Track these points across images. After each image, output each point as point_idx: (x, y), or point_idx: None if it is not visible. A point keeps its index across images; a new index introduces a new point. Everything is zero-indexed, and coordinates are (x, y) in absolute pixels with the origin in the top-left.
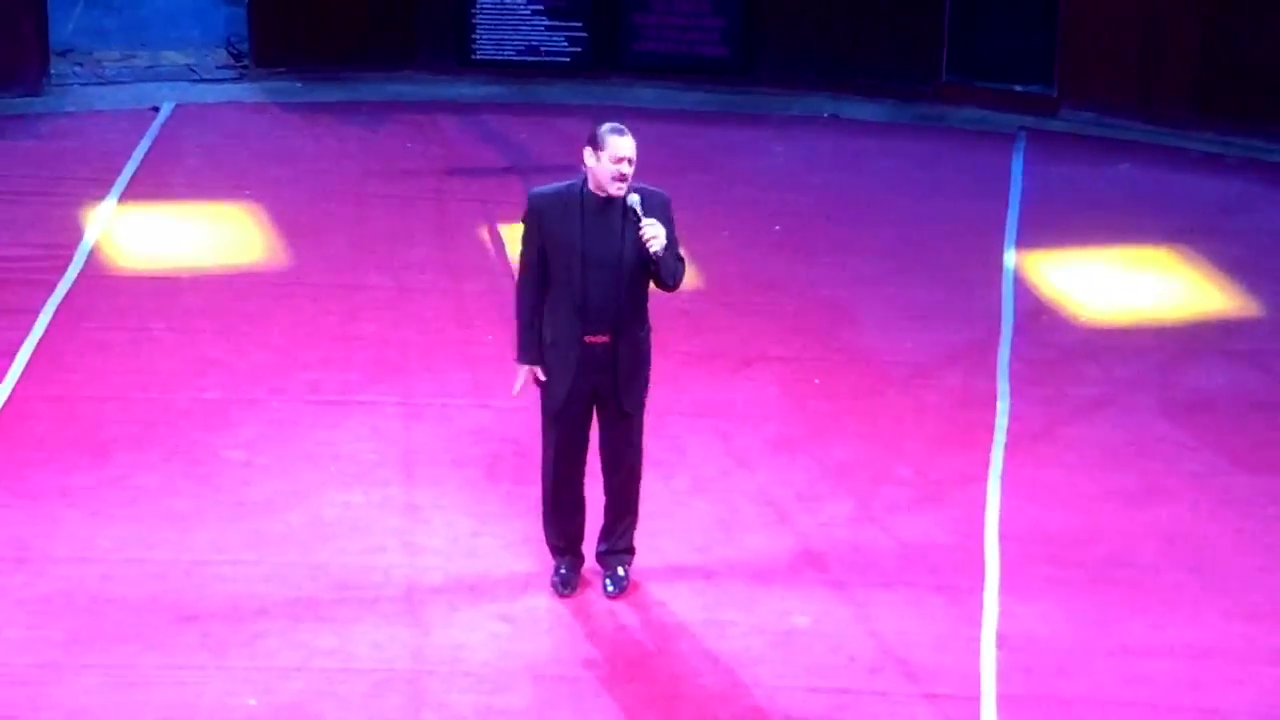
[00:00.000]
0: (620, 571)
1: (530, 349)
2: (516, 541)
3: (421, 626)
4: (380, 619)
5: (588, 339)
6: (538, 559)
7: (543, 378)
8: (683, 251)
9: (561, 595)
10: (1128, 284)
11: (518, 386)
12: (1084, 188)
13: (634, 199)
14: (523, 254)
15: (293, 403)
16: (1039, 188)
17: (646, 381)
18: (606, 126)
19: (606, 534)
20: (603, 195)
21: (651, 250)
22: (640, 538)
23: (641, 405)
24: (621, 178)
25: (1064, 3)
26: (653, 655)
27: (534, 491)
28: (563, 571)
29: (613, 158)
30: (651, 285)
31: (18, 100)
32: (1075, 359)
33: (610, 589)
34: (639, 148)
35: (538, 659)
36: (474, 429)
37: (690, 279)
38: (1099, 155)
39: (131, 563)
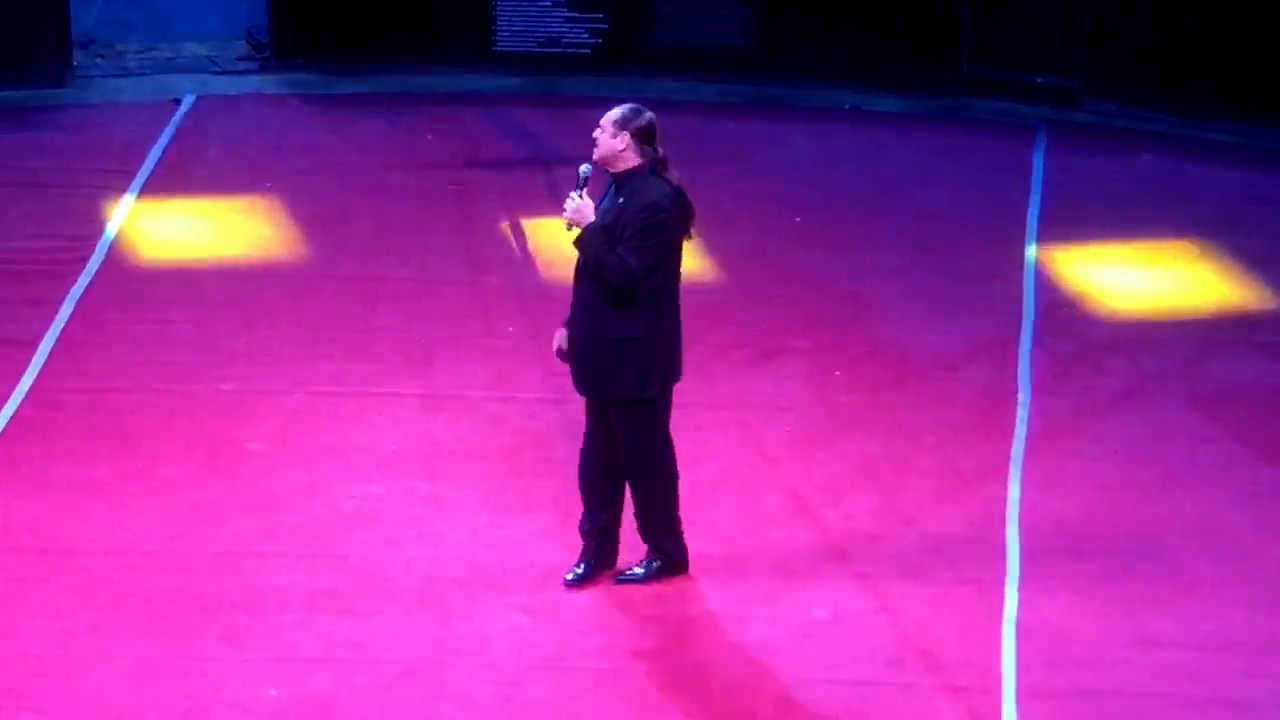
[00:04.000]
0: (637, 569)
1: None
2: (537, 533)
3: (442, 618)
4: (401, 610)
5: (569, 323)
6: (558, 551)
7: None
8: (635, 264)
9: (567, 585)
10: (1150, 276)
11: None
12: (1106, 180)
13: (584, 168)
14: None
15: (314, 395)
16: (1061, 180)
17: (630, 383)
18: None
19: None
20: (616, 176)
21: (564, 221)
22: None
23: (618, 403)
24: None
25: None
26: (674, 647)
27: (553, 484)
28: (580, 563)
29: None
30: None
31: (40, 92)
32: (1097, 351)
33: (619, 577)
34: (659, 138)
35: (558, 651)
36: (495, 421)
37: (711, 271)
38: (1121, 147)
39: (153, 554)
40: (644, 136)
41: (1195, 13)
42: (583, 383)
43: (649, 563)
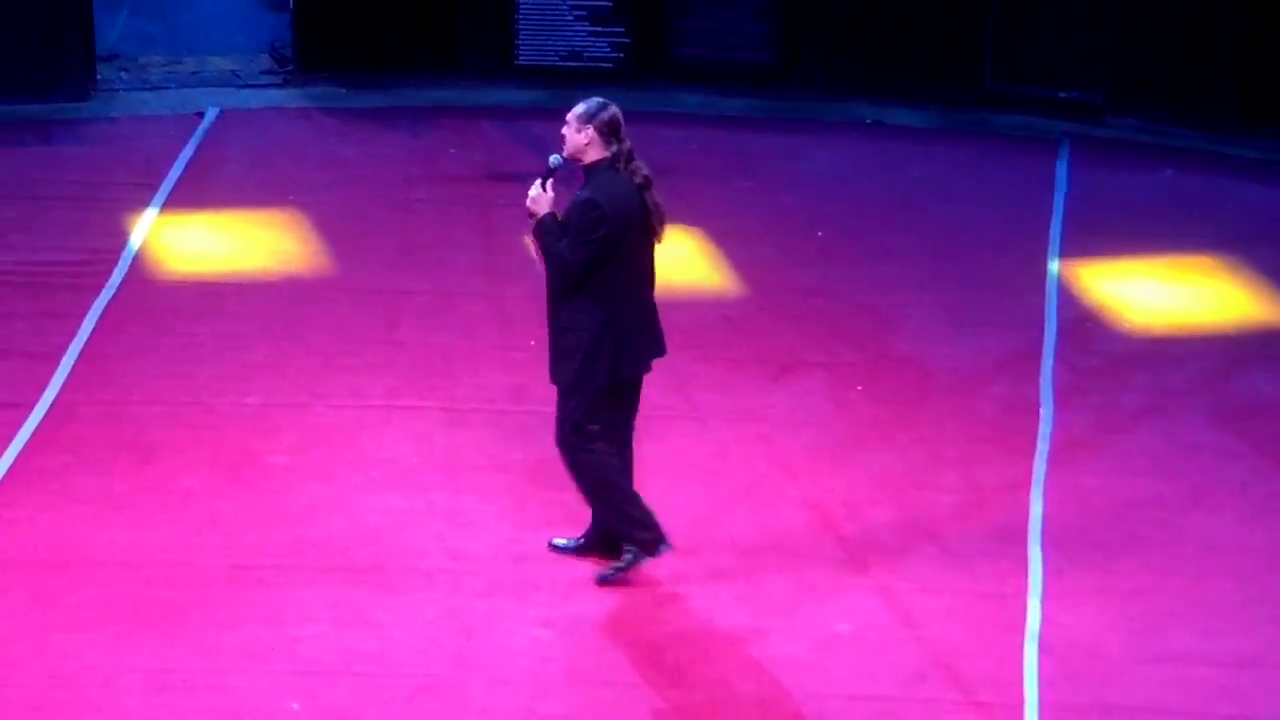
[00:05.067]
0: (616, 565)
1: None
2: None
3: (464, 631)
4: (423, 624)
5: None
6: (580, 564)
7: None
8: (571, 258)
9: (550, 547)
10: (1173, 291)
11: None
12: (1129, 195)
13: (554, 158)
14: None
15: (335, 407)
16: (1083, 194)
17: (571, 369)
18: None
19: None
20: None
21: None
22: (682, 543)
23: (564, 387)
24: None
25: (1109, 8)
26: (695, 662)
27: (575, 497)
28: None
29: None
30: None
31: (64, 105)
32: (1119, 366)
33: (601, 577)
34: (680, 152)
35: (579, 664)
36: (516, 433)
37: (732, 285)
38: (1144, 162)
39: (174, 566)
40: (608, 130)
41: (1218, 28)
42: (551, 374)
43: (624, 555)
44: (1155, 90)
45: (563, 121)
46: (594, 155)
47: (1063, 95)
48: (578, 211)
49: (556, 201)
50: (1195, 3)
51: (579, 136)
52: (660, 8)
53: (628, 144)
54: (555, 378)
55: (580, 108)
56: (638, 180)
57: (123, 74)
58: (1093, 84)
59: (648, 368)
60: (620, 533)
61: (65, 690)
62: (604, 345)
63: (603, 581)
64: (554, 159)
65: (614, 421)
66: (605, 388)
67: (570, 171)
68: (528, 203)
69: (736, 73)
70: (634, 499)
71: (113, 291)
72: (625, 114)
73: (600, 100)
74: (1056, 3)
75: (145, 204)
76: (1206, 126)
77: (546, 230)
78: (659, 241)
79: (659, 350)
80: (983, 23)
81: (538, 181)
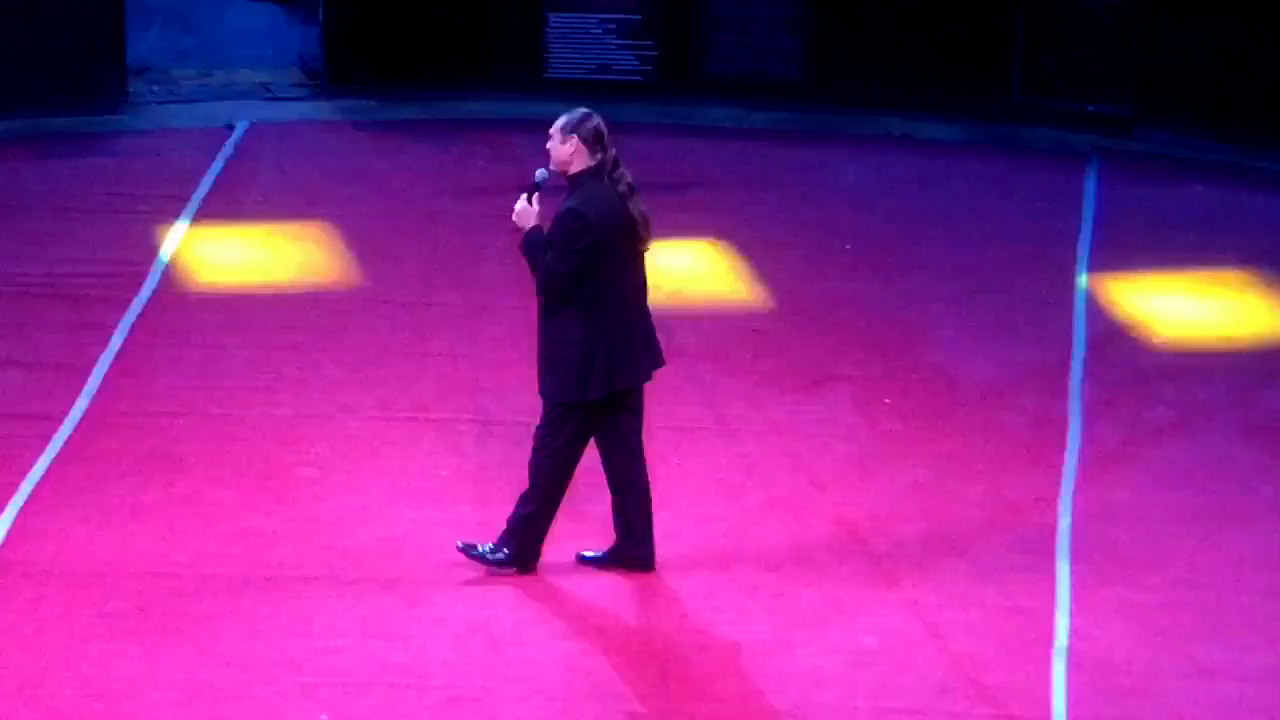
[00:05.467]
0: (485, 547)
1: None
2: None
3: (492, 644)
4: (452, 636)
5: None
6: (610, 578)
7: None
8: (556, 269)
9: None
10: (1202, 306)
11: None
12: (1158, 208)
13: (540, 173)
14: None
15: (365, 420)
16: (1113, 208)
17: (557, 380)
18: None
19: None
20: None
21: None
22: (711, 556)
23: (548, 396)
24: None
25: (1139, 22)
26: (723, 675)
27: (603, 509)
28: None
29: None
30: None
31: (95, 118)
32: (1149, 381)
33: (460, 543)
34: (709, 165)
35: (607, 676)
36: None
37: (761, 299)
38: (1174, 176)
39: (205, 578)
40: (592, 139)
41: (1248, 42)
42: (540, 384)
43: (496, 547)
44: (1184, 104)
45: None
46: (579, 165)
47: (1091, 109)
48: (562, 222)
49: (543, 215)
50: (1224, 16)
51: (564, 148)
52: (690, 21)
53: (612, 152)
54: (544, 391)
55: (563, 119)
56: (621, 189)
57: (154, 87)
58: (1122, 97)
59: (647, 377)
60: (513, 529)
61: (97, 701)
62: (597, 359)
63: (463, 549)
64: (540, 173)
65: (619, 432)
66: (601, 401)
67: (558, 185)
68: (513, 217)
69: (765, 86)
70: (548, 519)
71: (144, 303)
72: (654, 128)
73: (584, 111)
74: (1085, 16)
75: (176, 216)
76: (1236, 140)
77: (532, 244)
78: (646, 250)
79: (657, 360)
80: (1012, 36)
81: (523, 196)
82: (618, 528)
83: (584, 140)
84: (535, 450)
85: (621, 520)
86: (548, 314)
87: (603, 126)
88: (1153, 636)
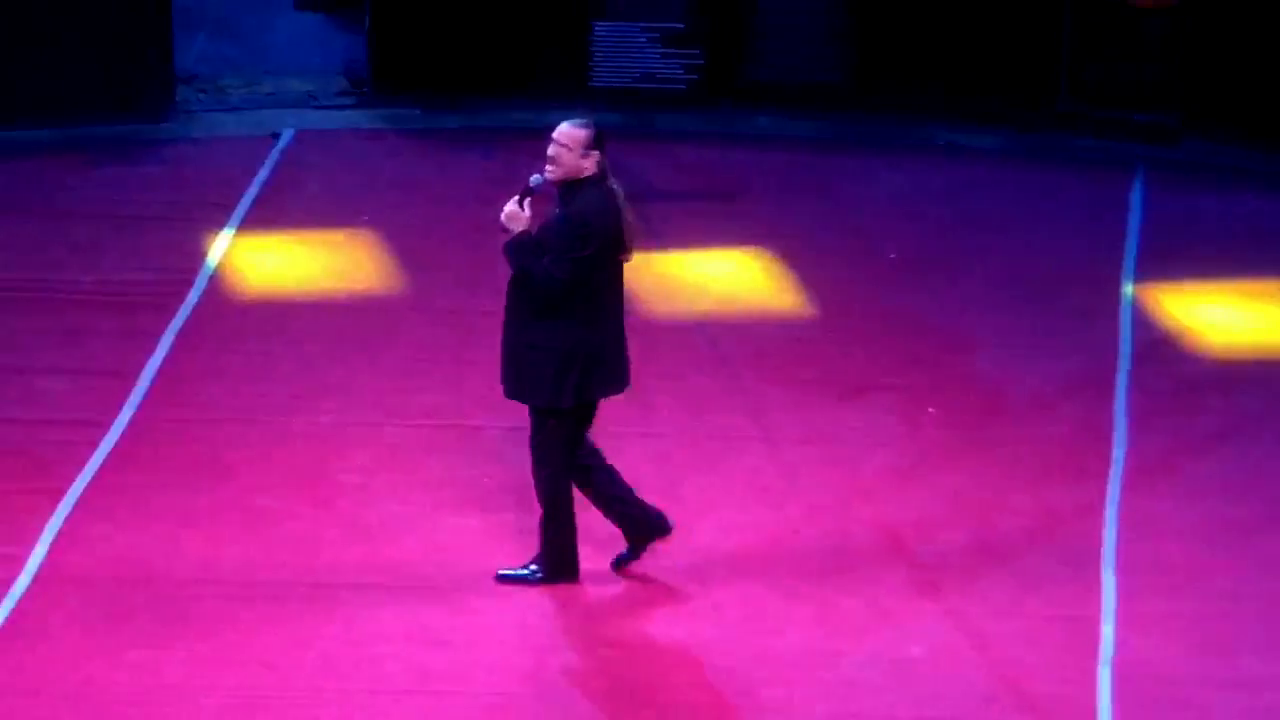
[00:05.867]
0: (521, 570)
1: None
2: (631, 569)
3: (536, 651)
4: (496, 643)
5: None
6: (653, 587)
7: None
8: (556, 274)
9: (613, 569)
10: (1249, 315)
11: None
12: (1205, 219)
13: (535, 179)
14: None
15: (410, 427)
16: (1159, 218)
17: (539, 390)
18: None
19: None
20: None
21: (501, 224)
22: (753, 565)
23: (535, 404)
24: (547, 158)
25: (1186, 31)
26: (766, 683)
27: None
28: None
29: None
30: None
31: (143, 126)
32: (1195, 391)
33: (502, 572)
34: (752, 173)
35: (649, 683)
36: None
37: (804, 307)
38: (1220, 185)
39: (250, 585)
40: (602, 146)
41: None
42: (506, 386)
43: (535, 570)
44: (1232, 113)
45: (637, 144)
46: (587, 172)
47: (1138, 118)
48: (566, 228)
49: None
50: (1273, 24)
51: (584, 161)
52: (734, 30)
53: (606, 159)
54: (515, 394)
55: (580, 133)
56: (620, 198)
57: (201, 95)
58: (1169, 106)
59: (617, 391)
60: (545, 555)
61: (143, 707)
62: (572, 368)
63: (501, 580)
64: (535, 179)
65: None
66: (571, 410)
67: (547, 191)
68: (503, 219)
69: (810, 95)
70: (573, 530)
71: (190, 310)
72: (698, 136)
73: (585, 119)
74: (1132, 25)
75: (222, 224)
76: None
77: (522, 248)
78: (628, 261)
79: (625, 380)
80: (1057, 45)
81: (514, 199)
82: (614, 521)
83: (600, 149)
84: (535, 468)
85: (614, 514)
86: (527, 318)
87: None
88: (1198, 647)
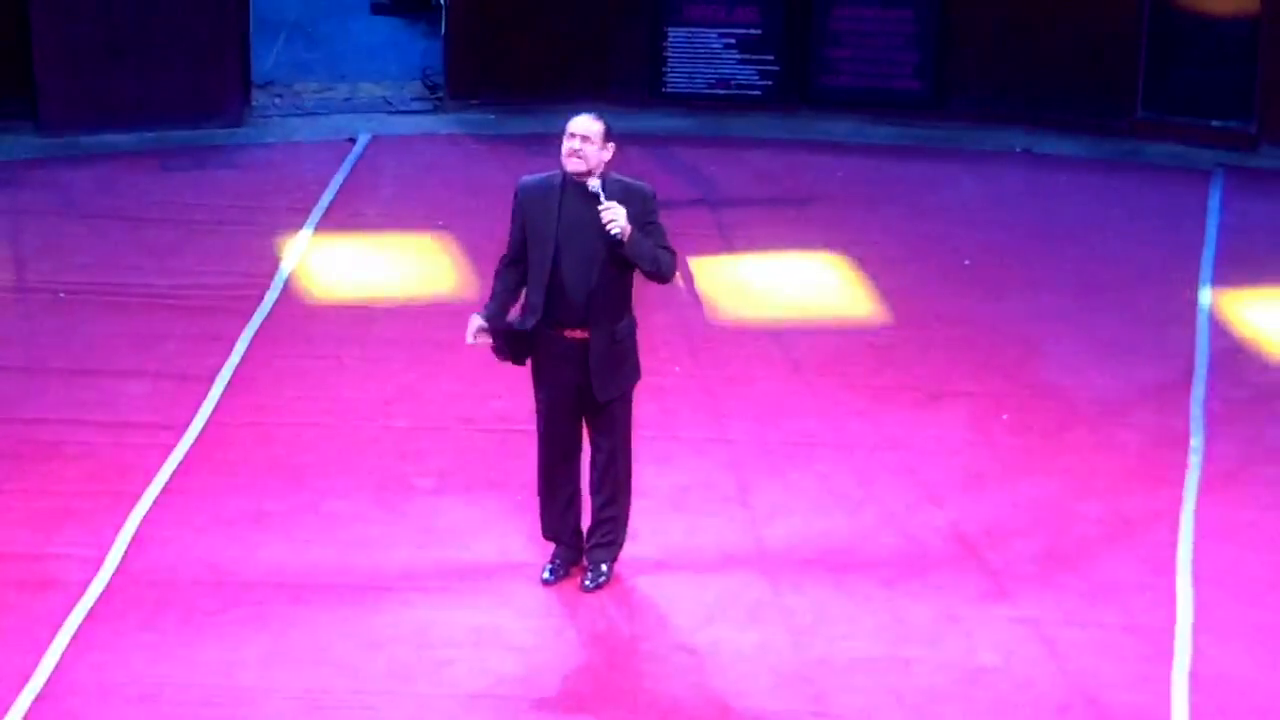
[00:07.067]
0: (602, 568)
1: (488, 310)
2: (704, 572)
3: (604, 656)
4: (567, 648)
5: (566, 333)
6: (726, 590)
7: (481, 327)
8: (672, 247)
9: (545, 583)
10: None
11: (468, 335)
12: None
13: (594, 183)
14: (509, 238)
15: (482, 431)
16: (1236, 225)
17: (630, 374)
18: None
19: (593, 529)
20: (582, 184)
21: (612, 232)
22: (825, 570)
23: (621, 395)
24: (572, 154)
25: (1264, 37)
26: (838, 691)
27: (718, 522)
28: (555, 562)
29: (566, 134)
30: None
31: (220, 131)
32: (1271, 398)
33: (588, 584)
34: (827, 180)
35: (721, 690)
36: (661, 460)
37: (879, 313)
38: None
39: (323, 588)
40: (614, 139)
41: None
42: (600, 394)
43: (607, 558)
44: None
45: (711, 149)
46: (605, 164)
47: (1215, 124)
48: (652, 202)
49: (536, 217)
50: None
51: (604, 154)
52: (810, 36)
53: None
54: (612, 393)
55: (597, 126)
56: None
57: (277, 100)
58: (1246, 113)
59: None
60: (617, 535)
61: (216, 709)
62: (637, 343)
63: (590, 589)
64: (594, 183)
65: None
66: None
67: (547, 188)
68: (616, 225)
69: (885, 101)
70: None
71: (265, 314)
72: (772, 143)
73: (597, 112)
74: (1210, 31)
75: (298, 228)
76: None
77: (642, 243)
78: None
79: None
80: (1135, 51)
81: (610, 203)
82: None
83: (614, 142)
84: (617, 459)
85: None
86: (614, 314)
87: None
88: (1276, 657)
